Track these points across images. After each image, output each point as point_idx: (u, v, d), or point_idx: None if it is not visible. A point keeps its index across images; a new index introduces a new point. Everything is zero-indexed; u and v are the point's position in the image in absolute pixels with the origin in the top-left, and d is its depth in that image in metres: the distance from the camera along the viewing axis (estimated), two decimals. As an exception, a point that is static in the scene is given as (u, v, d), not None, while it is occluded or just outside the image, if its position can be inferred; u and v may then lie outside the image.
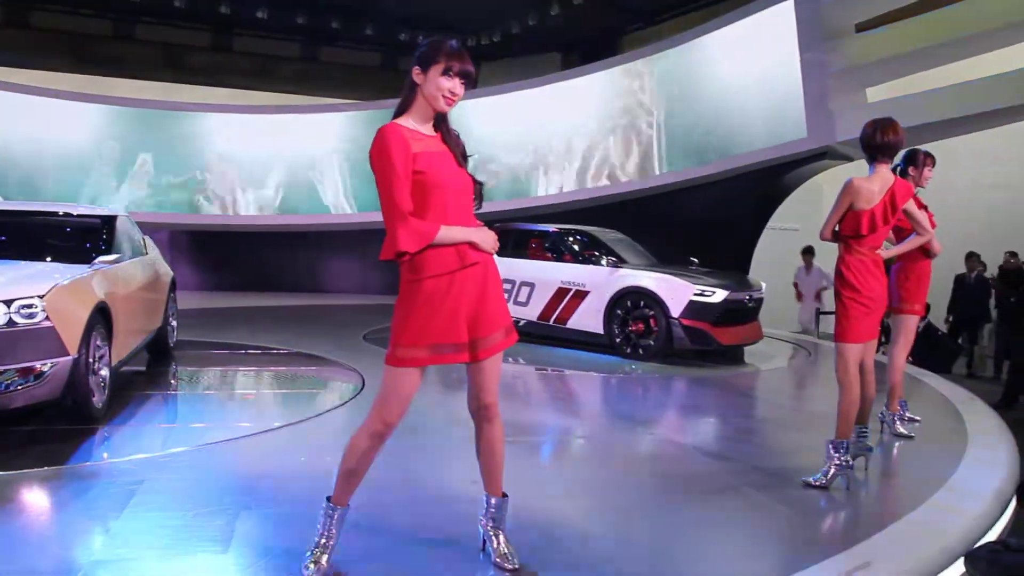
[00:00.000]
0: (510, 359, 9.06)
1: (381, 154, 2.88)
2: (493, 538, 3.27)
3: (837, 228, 4.58)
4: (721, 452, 5.43)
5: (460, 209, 3.02)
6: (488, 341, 3.05)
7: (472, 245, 3.00)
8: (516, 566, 3.21)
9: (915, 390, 7.54)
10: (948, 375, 9.79)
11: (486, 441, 3.20)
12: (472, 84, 3.04)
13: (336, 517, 3.13)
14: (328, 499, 3.14)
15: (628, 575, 3.31)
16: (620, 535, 3.77)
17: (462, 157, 3.10)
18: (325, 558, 3.11)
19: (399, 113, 3.04)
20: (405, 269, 2.99)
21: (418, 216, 2.92)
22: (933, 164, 5.65)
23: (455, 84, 2.96)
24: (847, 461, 4.48)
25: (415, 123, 3.02)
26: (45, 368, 4.86)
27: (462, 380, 3.19)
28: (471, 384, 3.15)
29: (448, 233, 2.93)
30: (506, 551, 3.24)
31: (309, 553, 3.12)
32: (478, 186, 3.14)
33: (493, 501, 3.26)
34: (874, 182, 4.51)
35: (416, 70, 2.99)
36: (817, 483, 4.45)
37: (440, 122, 3.09)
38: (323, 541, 3.13)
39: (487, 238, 3.04)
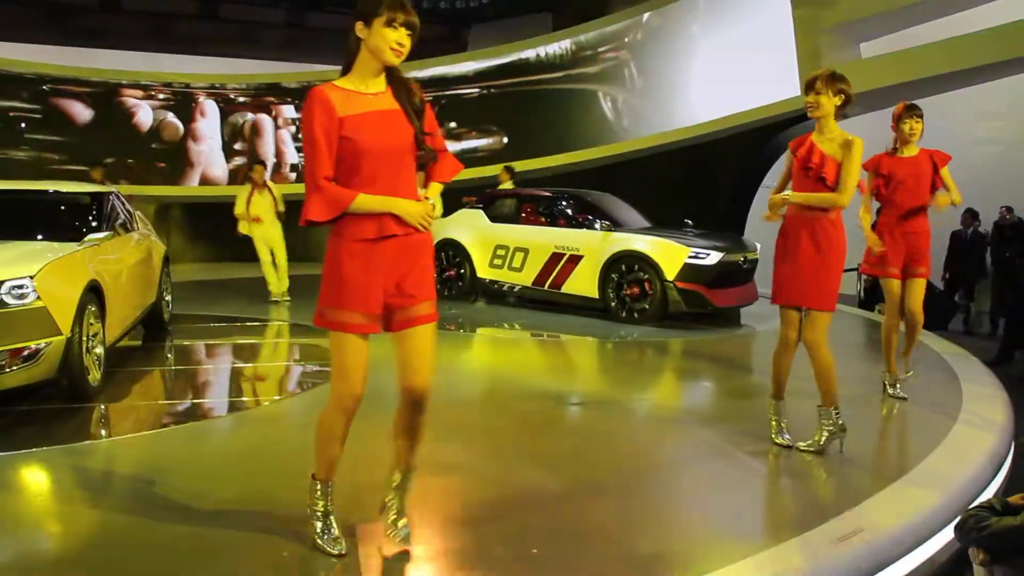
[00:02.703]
0: (506, 324, 9.07)
1: (304, 120, 2.86)
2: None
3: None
4: (716, 417, 5.45)
5: (392, 176, 2.90)
6: (405, 313, 2.96)
7: (395, 217, 2.90)
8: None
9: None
10: (944, 332, 9.82)
11: (408, 421, 3.12)
12: (417, 35, 2.90)
13: (322, 490, 3.13)
14: (312, 476, 3.14)
15: (624, 542, 3.33)
16: (614, 502, 3.79)
17: (415, 112, 2.96)
18: (332, 523, 3.14)
19: (344, 72, 2.95)
20: (331, 231, 2.94)
21: (344, 182, 2.86)
22: (915, 117, 5.36)
23: (401, 35, 2.86)
24: (839, 424, 4.46)
25: (357, 81, 2.93)
26: (38, 348, 4.85)
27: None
28: (397, 360, 3.03)
29: (365, 202, 2.84)
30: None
31: (323, 528, 3.14)
32: (422, 152, 2.98)
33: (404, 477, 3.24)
34: None
35: (359, 25, 2.88)
36: (810, 448, 4.45)
37: (392, 77, 2.98)
38: (320, 511, 3.14)
39: (413, 211, 2.91)
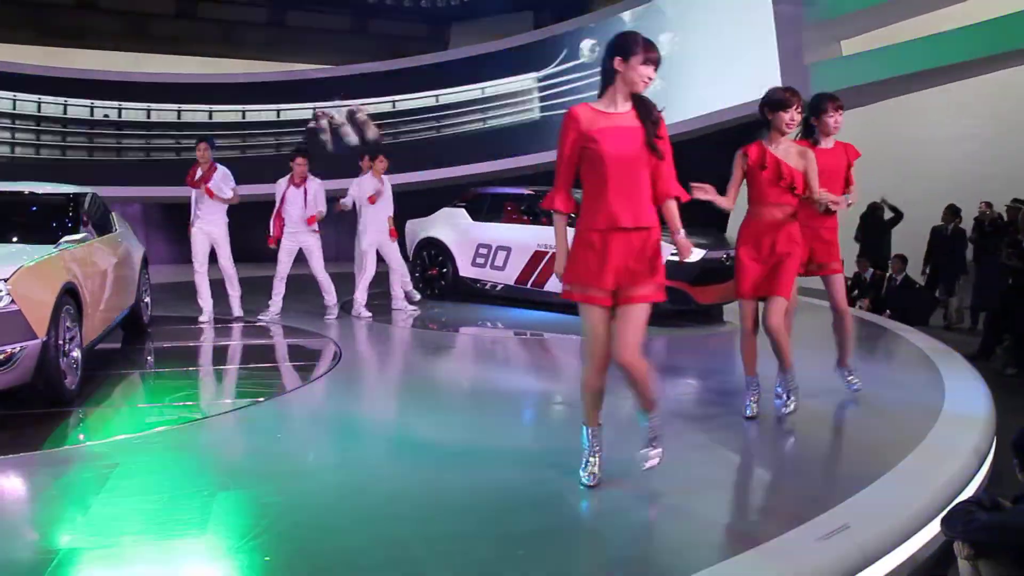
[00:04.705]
0: (488, 323, 9.04)
1: (560, 130, 3.62)
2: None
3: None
4: (700, 415, 5.43)
5: (623, 181, 3.54)
6: (626, 292, 3.58)
7: (624, 213, 3.54)
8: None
9: (892, 344, 7.60)
10: (925, 327, 9.86)
11: (626, 383, 3.76)
12: (659, 67, 3.56)
13: (591, 434, 3.81)
14: (583, 423, 3.82)
15: (608, 542, 3.30)
16: (598, 501, 3.77)
17: (652, 124, 3.56)
18: (595, 466, 3.82)
19: (599, 95, 3.63)
20: (577, 220, 3.69)
21: (586, 182, 3.63)
22: (840, 110, 5.32)
23: (651, 71, 3.53)
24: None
25: (607, 103, 3.60)
26: (13, 353, 4.77)
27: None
28: (615, 331, 3.64)
29: (557, 227, 3.79)
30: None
31: (584, 463, 3.82)
32: (653, 152, 3.56)
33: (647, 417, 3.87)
34: None
35: (618, 60, 3.53)
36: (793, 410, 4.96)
37: (638, 100, 3.59)
38: (590, 456, 3.81)
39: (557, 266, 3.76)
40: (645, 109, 3.59)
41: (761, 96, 4.95)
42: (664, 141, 3.61)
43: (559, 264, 3.76)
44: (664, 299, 3.72)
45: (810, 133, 5.37)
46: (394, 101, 16.26)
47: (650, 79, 3.53)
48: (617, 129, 3.54)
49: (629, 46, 3.52)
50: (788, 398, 5.02)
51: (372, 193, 8.94)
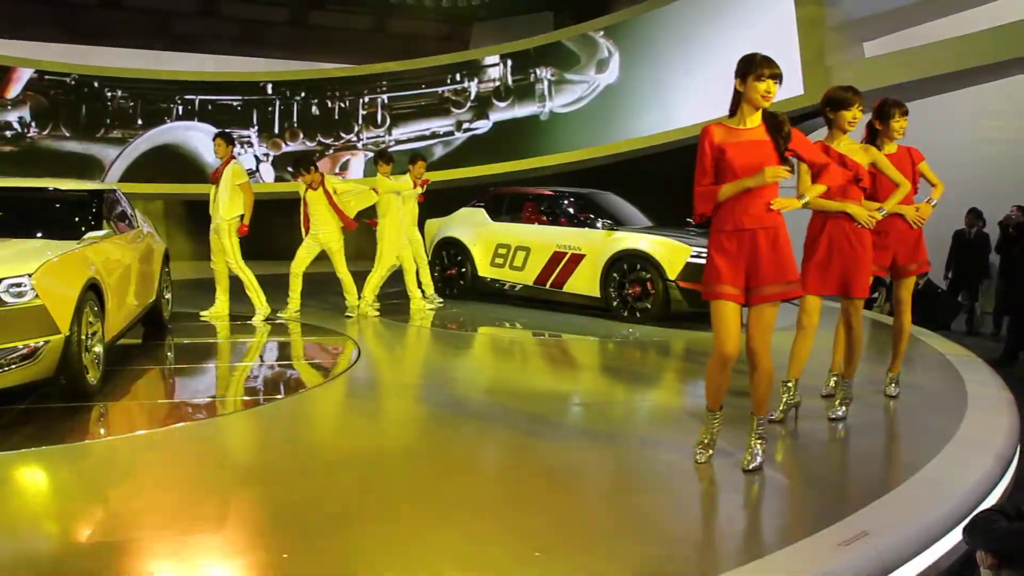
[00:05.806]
0: (507, 323, 9.03)
1: (698, 146, 3.98)
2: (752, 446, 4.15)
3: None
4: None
5: (749, 189, 3.83)
6: (756, 292, 3.87)
7: (746, 215, 3.85)
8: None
9: (914, 349, 7.51)
10: (948, 332, 9.77)
11: (751, 378, 4.10)
12: (782, 83, 3.83)
13: (712, 416, 4.12)
14: (707, 407, 4.12)
15: (627, 546, 3.29)
16: (617, 504, 3.76)
17: (782, 139, 3.86)
18: (710, 451, 4.16)
19: (731, 114, 3.97)
20: (711, 224, 4.00)
21: None
22: (906, 116, 5.32)
23: (768, 85, 3.80)
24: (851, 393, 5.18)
25: (738, 120, 3.94)
26: (37, 347, 4.82)
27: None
28: (746, 328, 3.97)
29: (726, 189, 3.88)
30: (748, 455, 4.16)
31: (699, 445, 4.16)
32: (785, 164, 3.86)
33: (756, 420, 4.16)
34: None
35: (738, 81, 3.87)
36: (841, 415, 5.05)
37: (766, 113, 3.91)
38: (707, 439, 4.16)
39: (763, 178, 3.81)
40: (775, 124, 3.89)
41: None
42: (798, 151, 3.93)
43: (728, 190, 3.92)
44: (801, 294, 4.15)
45: (873, 138, 5.32)
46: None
47: (769, 93, 3.79)
48: (744, 143, 3.87)
49: (745, 67, 3.83)
50: (840, 404, 5.12)
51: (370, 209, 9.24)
